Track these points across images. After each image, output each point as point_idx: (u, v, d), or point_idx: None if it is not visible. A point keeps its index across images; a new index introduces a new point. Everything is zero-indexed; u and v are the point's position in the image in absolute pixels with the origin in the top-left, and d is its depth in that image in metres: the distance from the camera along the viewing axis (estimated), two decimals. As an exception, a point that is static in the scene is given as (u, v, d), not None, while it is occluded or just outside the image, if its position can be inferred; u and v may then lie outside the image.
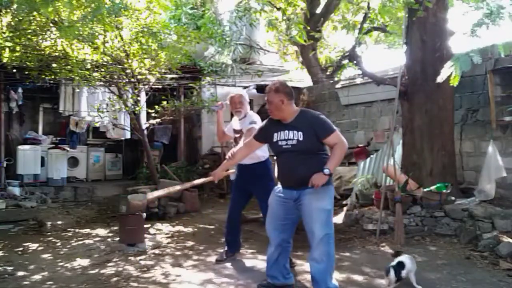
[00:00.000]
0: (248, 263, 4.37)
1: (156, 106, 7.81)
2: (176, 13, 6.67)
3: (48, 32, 6.51)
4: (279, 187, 3.38)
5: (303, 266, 4.01)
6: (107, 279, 3.89)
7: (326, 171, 3.02)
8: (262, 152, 4.09)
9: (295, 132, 3.17)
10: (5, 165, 8.23)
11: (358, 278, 3.84)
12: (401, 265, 3.45)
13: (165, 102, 7.90)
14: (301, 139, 3.14)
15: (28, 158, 8.43)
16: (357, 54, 6.46)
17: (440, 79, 4.43)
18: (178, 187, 4.11)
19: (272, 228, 3.39)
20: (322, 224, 3.10)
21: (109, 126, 9.16)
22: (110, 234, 5.72)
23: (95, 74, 7.20)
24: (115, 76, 7.27)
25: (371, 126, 8.24)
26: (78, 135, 9.49)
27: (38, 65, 6.76)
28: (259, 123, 3.96)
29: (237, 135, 4.36)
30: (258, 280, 3.68)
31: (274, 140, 3.29)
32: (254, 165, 4.15)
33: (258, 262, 4.33)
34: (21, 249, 4.98)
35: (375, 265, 4.21)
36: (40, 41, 6.64)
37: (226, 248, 4.46)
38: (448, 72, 4.25)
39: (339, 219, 6.04)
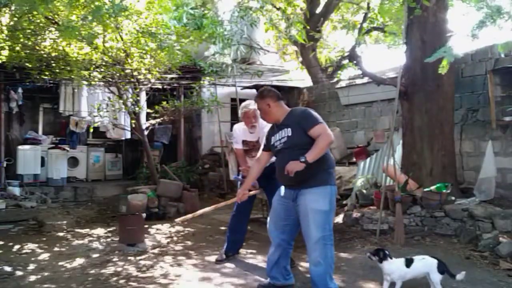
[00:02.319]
0: (248, 263, 4.37)
1: (156, 106, 7.81)
2: (177, 14, 6.66)
3: (48, 32, 6.51)
4: (282, 186, 3.39)
5: (304, 266, 4.01)
6: (107, 279, 3.89)
7: (302, 159, 2.97)
8: None
9: (285, 129, 3.23)
10: (5, 165, 8.23)
11: (358, 278, 3.83)
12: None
13: (165, 102, 7.90)
14: (290, 134, 3.20)
15: (28, 158, 8.43)
16: (357, 54, 6.46)
17: (428, 60, 4.42)
18: (208, 209, 3.88)
19: (273, 228, 3.40)
20: (318, 226, 3.07)
21: (109, 126, 9.15)
22: (110, 234, 5.72)
23: (95, 74, 7.20)
24: (115, 76, 7.27)
25: (371, 126, 8.24)
26: (78, 135, 9.49)
27: (38, 65, 6.76)
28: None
29: (247, 148, 4.31)
30: (258, 280, 3.69)
31: (272, 143, 3.36)
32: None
33: (258, 262, 4.34)
34: (21, 249, 4.98)
35: (375, 265, 4.21)
36: (40, 41, 6.64)
37: (224, 248, 4.42)
38: (439, 56, 4.25)
39: (339, 219, 6.04)
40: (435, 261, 3.33)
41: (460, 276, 3.31)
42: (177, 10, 6.40)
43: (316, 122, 3.13)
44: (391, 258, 3.36)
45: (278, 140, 3.28)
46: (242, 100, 10.62)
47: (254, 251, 4.76)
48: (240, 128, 4.43)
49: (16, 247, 5.06)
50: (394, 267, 3.35)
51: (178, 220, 3.83)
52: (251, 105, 4.12)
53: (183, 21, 6.43)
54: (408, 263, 3.35)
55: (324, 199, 3.12)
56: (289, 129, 3.20)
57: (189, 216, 3.73)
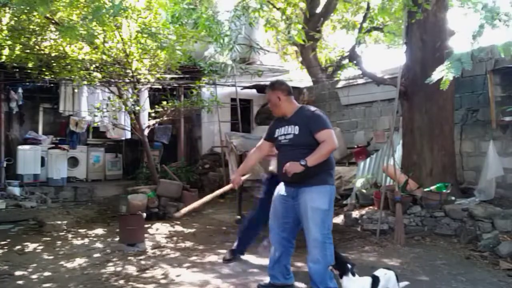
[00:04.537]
0: (248, 263, 4.36)
1: (156, 106, 7.81)
2: (172, 9, 6.59)
3: (48, 32, 6.51)
4: (281, 184, 3.39)
5: (303, 266, 4.01)
6: (106, 279, 3.89)
7: (302, 162, 3.01)
8: None
9: (293, 126, 3.23)
10: (5, 165, 8.23)
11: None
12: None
13: (165, 102, 7.91)
14: (297, 133, 3.19)
15: (28, 158, 8.42)
16: (357, 54, 6.47)
17: (429, 80, 4.41)
18: (206, 198, 3.90)
19: (273, 226, 3.41)
20: (317, 225, 3.09)
21: (109, 126, 9.15)
22: (110, 234, 5.72)
23: (95, 74, 7.20)
24: (115, 76, 7.27)
25: (371, 126, 8.24)
26: (78, 135, 9.48)
27: (38, 65, 6.76)
28: None
29: None
30: (258, 280, 3.68)
31: (276, 136, 3.36)
32: None
33: (258, 262, 4.33)
34: (21, 249, 4.98)
35: (375, 265, 4.21)
36: (40, 41, 6.64)
37: (235, 247, 4.36)
38: (439, 76, 4.25)
39: (339, 219, 6.04)
40: (393, 273, 3.03)
41: (402, 284, 3.09)
42: (174, 5, 6.35)
43: (324, 126, 3.13)
44: (353, 275, 2.90)
45: (283, 134, 3.28)
46: (242, 100, 10.67)
47: (254, 251, 4.75)
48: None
49: (16, 247, 5.05)
50: (354, 286, 2.90)
51: (177, 214, 3.83)
52: None
53: (176, 15, 6.36)
54: (375, 283, 2.93)
55: (324, 198, 3.13)
56: (297, 127, 3.20)
57: (189, 207, 3.80)
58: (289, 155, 3.17)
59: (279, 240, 3.37)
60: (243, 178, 3.69)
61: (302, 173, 3.03)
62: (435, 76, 4.27)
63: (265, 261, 4.19)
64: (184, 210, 3.76)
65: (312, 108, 3.33)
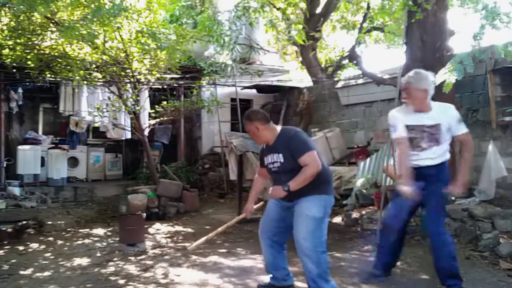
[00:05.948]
0: (248, 263, 4.37)
1: (156, 106, 7.82)
2: (171, 8, 6.57)
3: (49, 32, 6.51)
4: None
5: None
6: (107, 279, 3.89)
7: (285, 187, 3.08)
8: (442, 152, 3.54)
9: (277, 154, 3.23)
10: (5, 165, 8.23)
11: (358, 278, 3.83)
12: None
13: (165, 102, 7.91)
14: (282, 161, 3.20)
15: (28, 158, 8.42)
16: (357, 54, 6.48)
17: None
18: (219, 229, 3.77)
19: (264, 230, 3.41)
20: (309, 233, 3.09)
21: (109, 126, 9.16)
22: (110, 234, 5.72)
23: (95, 74, 7.21)
24: (115, 76, 7.28)
25: (371, 126, 8.24)
26: (78, 135, 9.48)
27: (38, 65, 6.76)
28: (396, 126, 3.43)
29: (413, 136, 3.45)
30: (258, 280, 3.68)
31: (265, 163, 3.37)
32: (430, 167, 3.52)
33: (258, 262, 4.33)
34: (21, 249, 4.98)
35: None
36: (40, 41, 6.64)
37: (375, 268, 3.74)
38: (442, 79, 4.27)
39: (339, 219, 6.05)
40: None
41: None
42: (172, 4, 6.34)
43: (305, 150, 3.10)
44: None
45: (270, 162, 3.29)
46: (242, 100, 10.68)
47: (254, 251, 4.75)
48: (399, 110, 3.58)
49: (16, 247, 5.05)
50: None
51: (191, 247, 3.72)
52: (405, 78, 3.49)
53: (176, 13, 6.34)
54: None
55: (318, 207, 3.14)
56: (281, 155, 3.19)
57: (203, 240, 3.62)
58: (281, 179, 3.19)
59: (270, 243, 3.38)
60: (255, 206, 3.61)
61: (296, 191, 3.08)
62: (438, 79, 4.28)
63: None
64: (198, 242, 3.66)
65: (290, 132, 3.27)
